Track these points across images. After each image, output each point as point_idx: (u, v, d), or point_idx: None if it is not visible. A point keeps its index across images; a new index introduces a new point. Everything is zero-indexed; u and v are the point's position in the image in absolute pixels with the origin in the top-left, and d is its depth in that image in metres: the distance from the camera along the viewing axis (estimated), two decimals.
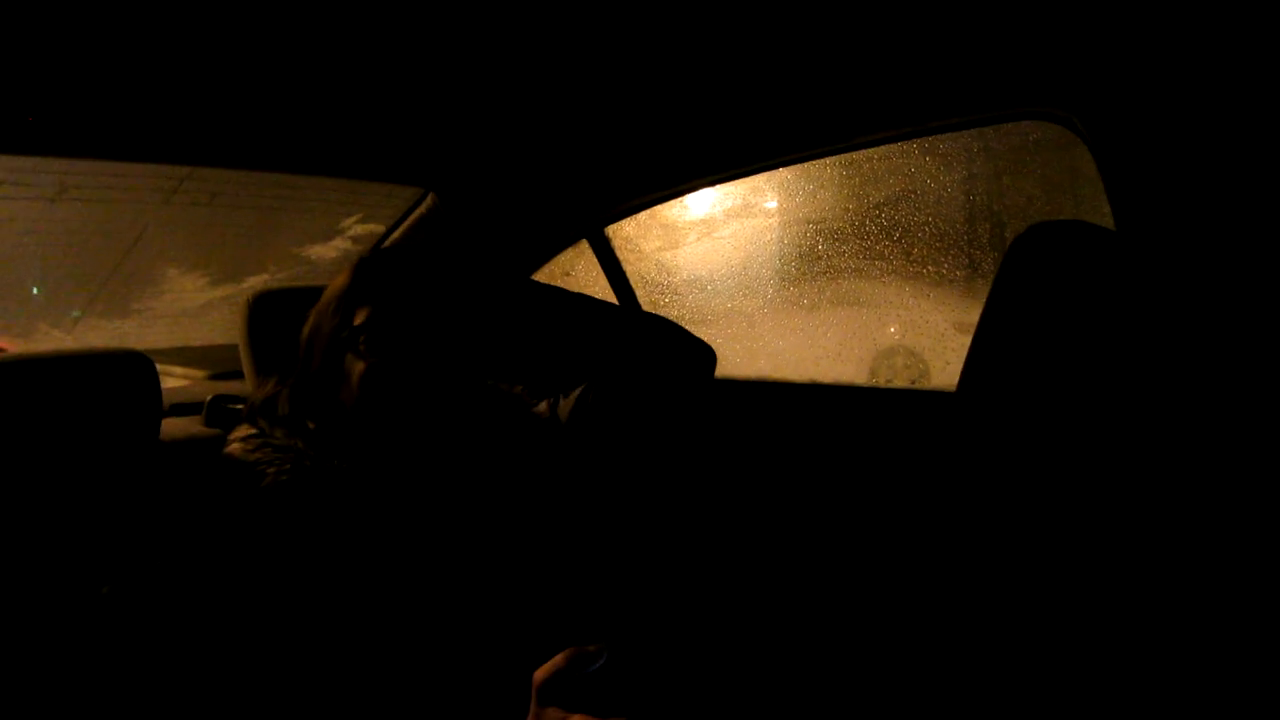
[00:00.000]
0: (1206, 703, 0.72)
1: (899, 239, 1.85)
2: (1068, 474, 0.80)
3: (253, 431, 1.12)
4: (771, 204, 2.04)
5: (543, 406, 1.30)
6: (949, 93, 1.25)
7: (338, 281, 1.16)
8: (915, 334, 1.91)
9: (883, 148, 1.74)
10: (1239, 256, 1.06)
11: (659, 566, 1.36)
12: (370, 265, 1.15)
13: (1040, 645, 0.76)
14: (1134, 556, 0.77)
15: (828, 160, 1.85)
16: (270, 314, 1.37)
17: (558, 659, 0.85)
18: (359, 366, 1.09)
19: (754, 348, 2.16)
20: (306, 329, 1.17)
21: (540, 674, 0.84)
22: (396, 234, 1.97)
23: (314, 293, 1.21)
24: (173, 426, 1.56)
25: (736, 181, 1.92)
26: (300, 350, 1.18)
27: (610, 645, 0.86)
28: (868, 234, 1.91)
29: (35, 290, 4.53)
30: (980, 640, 0.80)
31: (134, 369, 1.29)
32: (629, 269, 1.99)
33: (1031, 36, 1.09)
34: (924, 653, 0.88)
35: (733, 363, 2.22)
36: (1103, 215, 1.16)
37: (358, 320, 1.09)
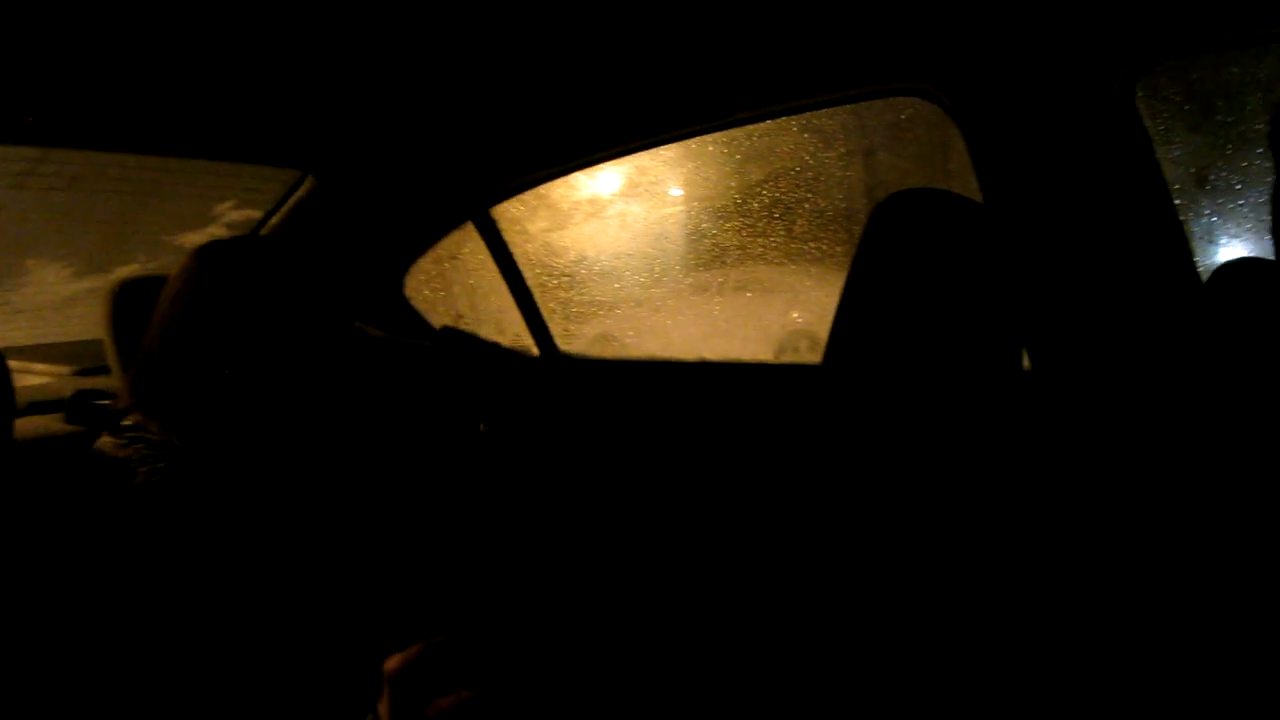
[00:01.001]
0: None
1: (780, 216, 1.90)
2: (925, 444, 0.84)
3: (126, 424, 1.06)
4: (656, 182, 2.05)
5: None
6: (824, 70, 1.28)
7: (184, 268, 1.10)
8: (804, 311, 1.97)
9: (763, 125, 1.78)
10: (1090, 224, 1.13)
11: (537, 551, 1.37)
12: (215, 258, 1.10)
13: (909, 612, 0.79)
14: (994, 524, 0.81)
15: (710, 138, 1.88)
16: (137, 304, 1.30)
17: (410, 650, 0.87)
18: (225, 386, 1.05)
19: (642, 328, 2.18)
20: (155, 317, 1.11)
21: (391, 664, 0.86)
22: (275, 219, 1.90)
23: None
24: (29, 425, 1.48)
25: (622, 161, 1.93)
26: (149, 340, 1.11)
27: (461, 634, 0.87)
28: (750, 211, 1.94)
29: None
30: (847, 610, 0.83)
31: None
32: (516, 251, 1.98)
33: (901, 15, 1.12)
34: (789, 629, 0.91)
35: (624, 343, 2.24)
36: (973, 189, 1.22)
37: (211, 326, 1.05)
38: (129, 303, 1.32)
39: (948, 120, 1.21)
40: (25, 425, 1.43)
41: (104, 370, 1.52)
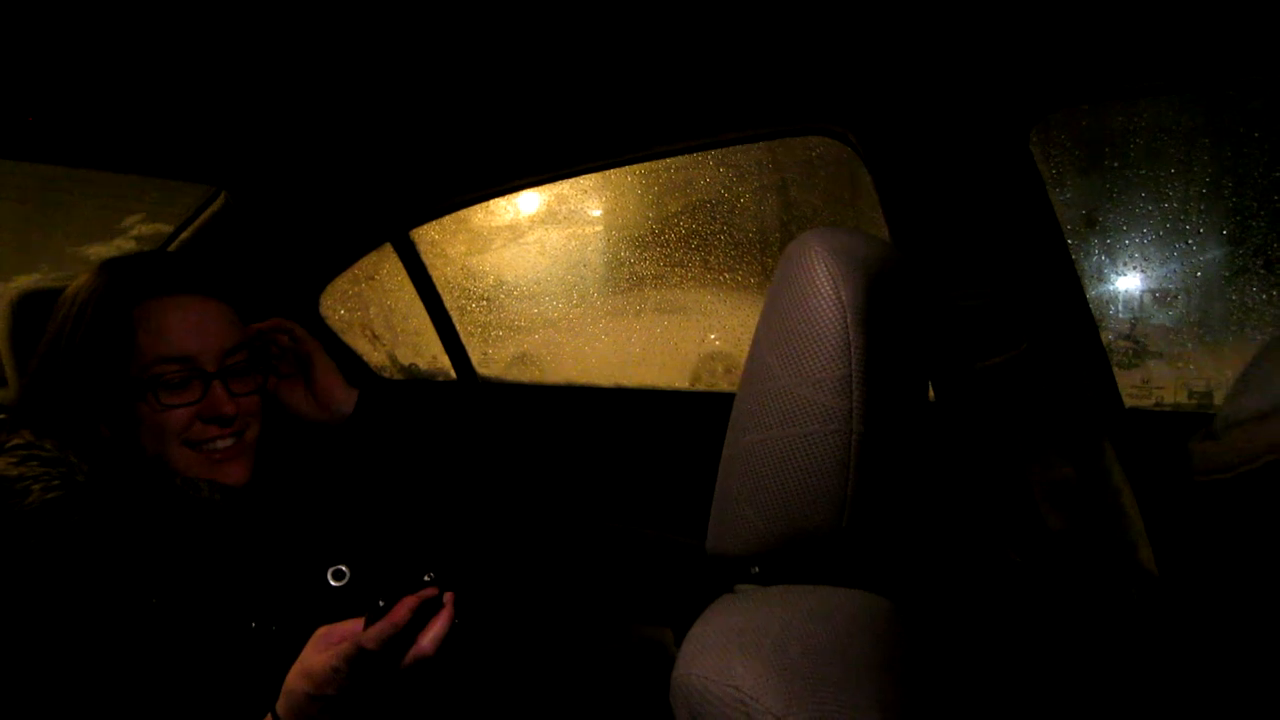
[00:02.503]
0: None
1: (697, 247, 1.94)
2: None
3: (18, 442, 1.03)
4: (576, 211, 2.08)
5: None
6: (739, 108, 1.32)
7: (83, 282, 1.08)
8: (723, 339, 2.00)
9: (679, 159, 1.82)
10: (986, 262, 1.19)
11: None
12: (125, 272, 1.08)
13: None
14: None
15: (628, 169, 1.91)
16: (37, 315, 1.26)
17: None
18: (152, 416, 1.04)
19: (562, 352, 2.19)
20: (47, 333, 1.09)
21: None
22: (186, 234, 1.86)
23: None
24: None
25: (542, 188, 1.95)
26: (43, 351, 1.09)
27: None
28: (668, 241, 1.98)
29: None
30: None
31: None
32: (435, 274, 1.98)
33: (813, 58, 1.16)
34: None
35: (544, 368, 2.25)
36: (880, 225, 1.27)
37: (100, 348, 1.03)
38: (28, 314, 1.28)
39: (855, 158, 1.26)
40: None
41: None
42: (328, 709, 0.89)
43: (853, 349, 0.78)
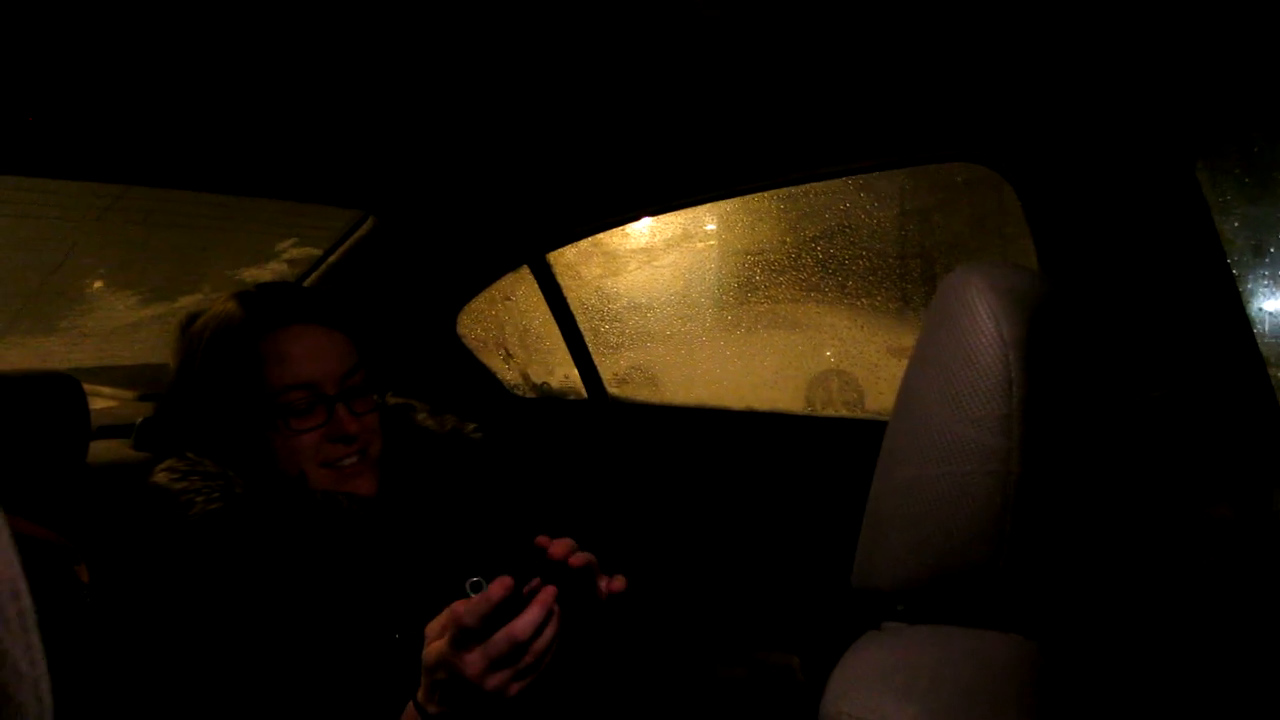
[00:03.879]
0: None
1: (834, 272, 1.91)
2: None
3: (180, 462, 1.10)
4: (711, 235, 2.08)
5: (470, 428, 1.31)
6: (883, 136, 1.30)
7: (213, 313, 1.14)
8: (850, 362, 1.96)
9: (820, 184, 1.80)
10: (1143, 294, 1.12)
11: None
12: (251, 306, 1.13)
13: None
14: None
15: (766, 194, 1.90)
16: None
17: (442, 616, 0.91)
18: (285, 441, 1.09)
19: (693, 374, 2.19)
20: (181, 353, 1.14)
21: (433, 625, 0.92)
22: (334, 257, 1.96)
23: None
24: (101, 449, 1.52)
25: (678, 212, 1.96)
26: (175, 379, 1.15)
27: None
28: (804, 266, 1.96)
29: None
30: None
31: (60, 391, 1.26)
32: (570, 295, 2.01)
33: (959, 86, 1.13)
34: None
35: (672, 389, 2.25)
36: (1027, 251, 1.22)
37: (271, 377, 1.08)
38: None
39: (1003, 183, 1.21)
40: (98, 449, 1.48)
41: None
42: (451, 697, 0.90)
43: (1014, 387, 0.75)
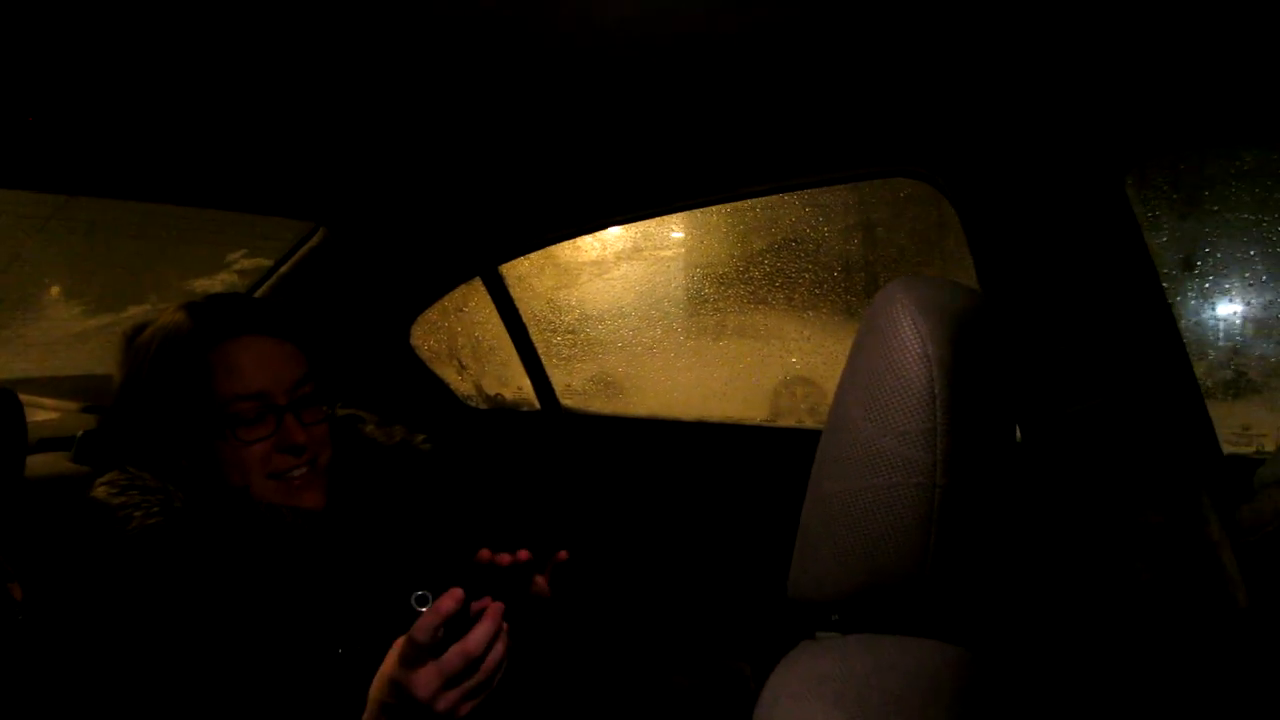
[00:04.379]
0: None
1: (781, 285, 1.94)
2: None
3: (117, 475, 1.09)
4: (662, 247, 2.10)
5: (419, 439, 1.32)
6: (826, 151, 1.33)
7: (160, 324, 1.14)
8: (808, 370, 2.00)
9: (766, 199, 1.83)
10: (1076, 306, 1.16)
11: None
12: (199, 316, 1.13)
13: None
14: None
15: (714, 208, 1.93)
16: None
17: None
18: (233, 452, 1.09)
19: (645, 385, 2.21)
20: (126, 364, 1.14)
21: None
22: (285, 268, 1.95)
23: None
24: (39, 463, 1.50)
25: (628, 225, 1.98)
26: (122, 390, 1.15)
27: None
28: (752, 279, 1.99)
29: None
30: None
31: None
32: (522, 307, 2.02)
33: (899, 103, 1.17)
34: None
35: (625, 400, 2.27)
36: (968, 265, 1.26)
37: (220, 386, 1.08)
38: None
39: (942, 198, 1.25)
40: (34, 462, 1.45)
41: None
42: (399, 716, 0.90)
43: (938, 402, 0.77)
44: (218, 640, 1.00)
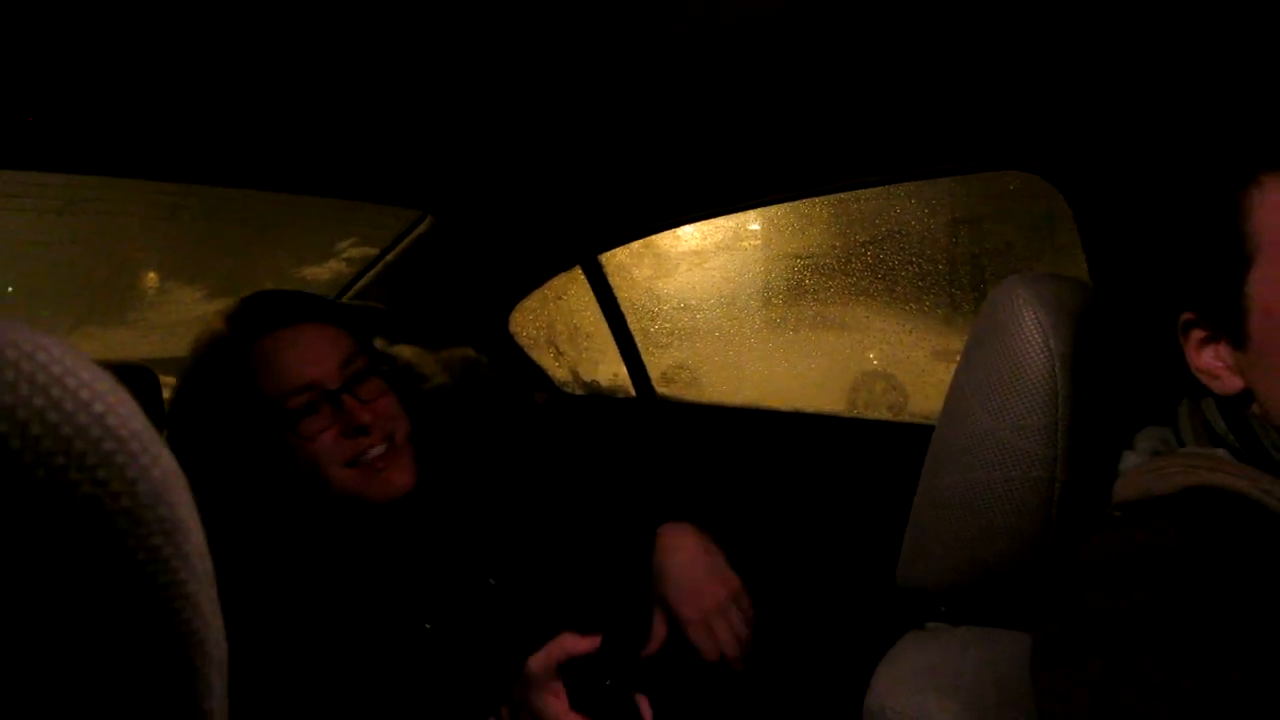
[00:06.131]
0: None
1: (883, 277, 1.91)
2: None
3: None
4: (760, 239, 2.10)
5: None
6: (934, 143, 1.30)
7: (208, 329, 1.14)
8: (895, 365, 1.97)
9: (870, 190, 1.81)
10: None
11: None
12: (238, 319, 1.14)
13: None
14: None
15: (816, 199, 1.91)
16: None
17: (550, 647, 0.92)
18: (303, 447, 1.08)
19: (741, 375, 2.21)
20: (180, 377, 1.14)
21: (536, 661, 0.93)
22: (391, 256, 2.01)
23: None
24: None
25: (727, 216, 1.98)
26: (177, 398, 1.15)
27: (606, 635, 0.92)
28: (853, 271, 1.97)
29: (10, 290, 4.57)
30: None
31: (137, 382, 1.31)
32: (620, 295, 2.04)
33: (1009, 94, 1.14)
34: None
35: (719, 389, 2.27)
36: (1079, 260, 1.22)
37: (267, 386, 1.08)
38: None
39: (1055, 193, 1.21)
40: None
41: None
42: None
43: (1060, 397, 0.78)
44: (303, 642, 1.00)
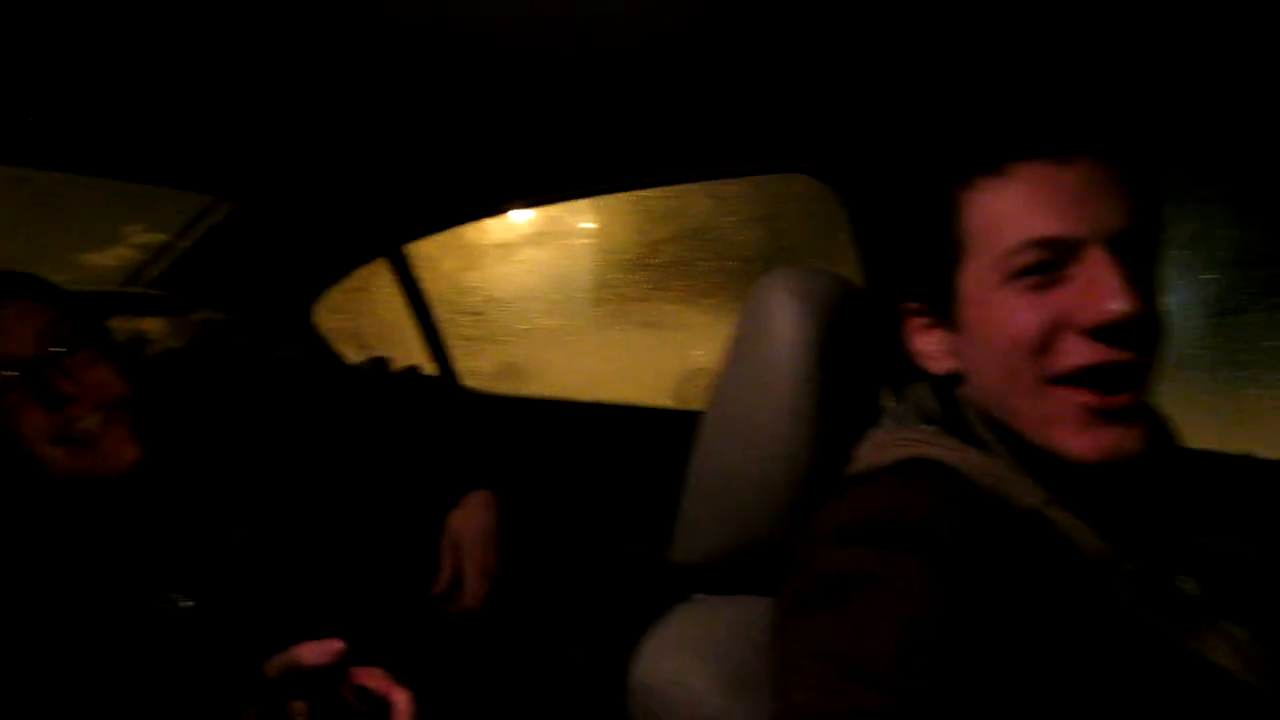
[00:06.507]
0: None
1: (683, 272, 2.00)
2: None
3: None
4: (566, 232, 2.14)
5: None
6: (722, 146, 1.37)
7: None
8: (707, 358, 2.06)
9: (670, 188, 1.88)
10: None
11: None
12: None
13: None
14: None
15: (620, 195, 1.97)
16: None
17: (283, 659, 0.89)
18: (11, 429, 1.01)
19: (546, 367, 2.24)
20: None
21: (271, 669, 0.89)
22: (184, 243, 1.91)
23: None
24: None
25: (535, 209, 2.00)
26: None
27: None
28: (654, 266, 2.04)
29: None
30: None
31: None
32: (427, 288, 2.02)
33: (792, 102, 1.20)
34: None
35: (526, 382, 2.30)
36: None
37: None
38: None
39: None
40: None
41: None
42: None
43: (810, 383, 0.85)
44: (36, 613, 0.95)
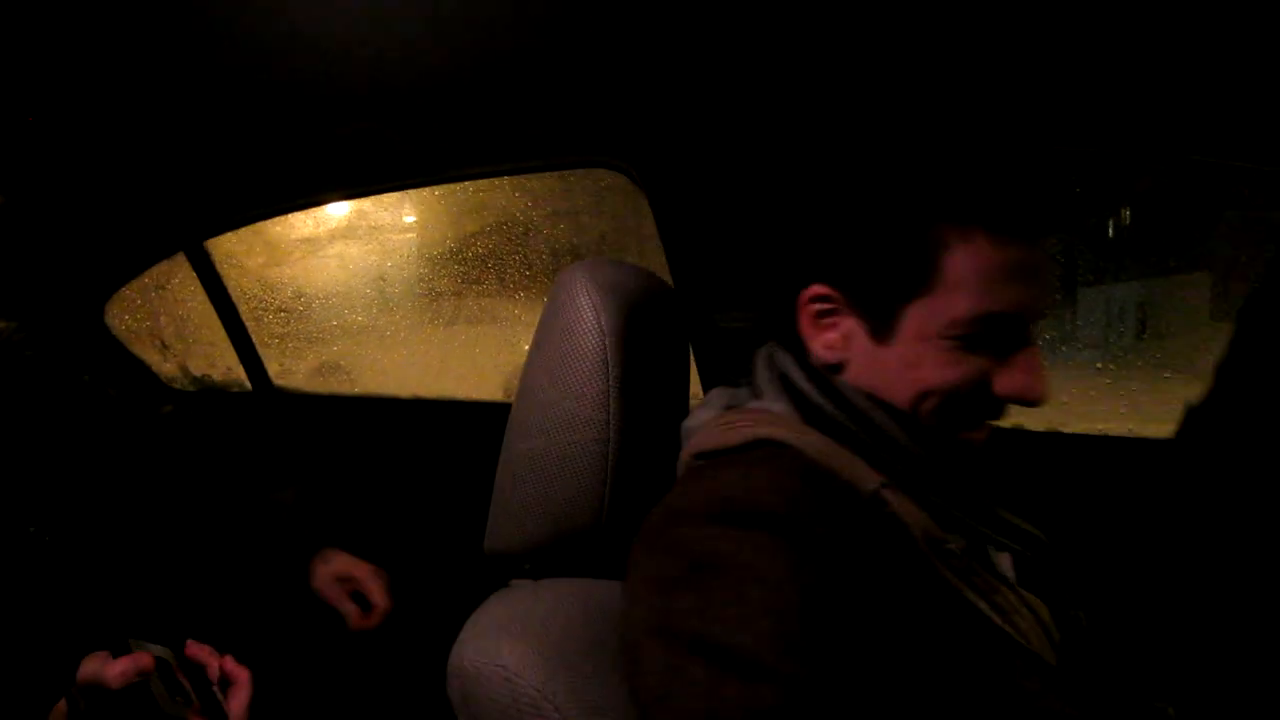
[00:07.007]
0: None
1: (493, 266, 2.03)
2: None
3: None
4: (375, 226, 2.13)
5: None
6: (529, 140, 1.40)
7: None
8: (515, 354, 2.10)
9: (479, 182, 1.91)
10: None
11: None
12: None
13: None
14: None
15: (427, 190, 1.98)
16: None
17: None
18: None
19: (361, 365, 2.23)
20: None
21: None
22: None
23: None
24: None
25: (342, 203, 1.99)
26: None
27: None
28: (465, 259, 2.07)
29: None
30: None
31: None
32: (230, 284, 1.97)
33: (597, 97, 1.25)
34: None
35: (339, 378, 2.27)
36: (659, 249, 1.37)
37: None
38: None
39: (641, 190, 1.36)
40: None
41: None
42: None
43: (610, 367, 0.90)
44: None
